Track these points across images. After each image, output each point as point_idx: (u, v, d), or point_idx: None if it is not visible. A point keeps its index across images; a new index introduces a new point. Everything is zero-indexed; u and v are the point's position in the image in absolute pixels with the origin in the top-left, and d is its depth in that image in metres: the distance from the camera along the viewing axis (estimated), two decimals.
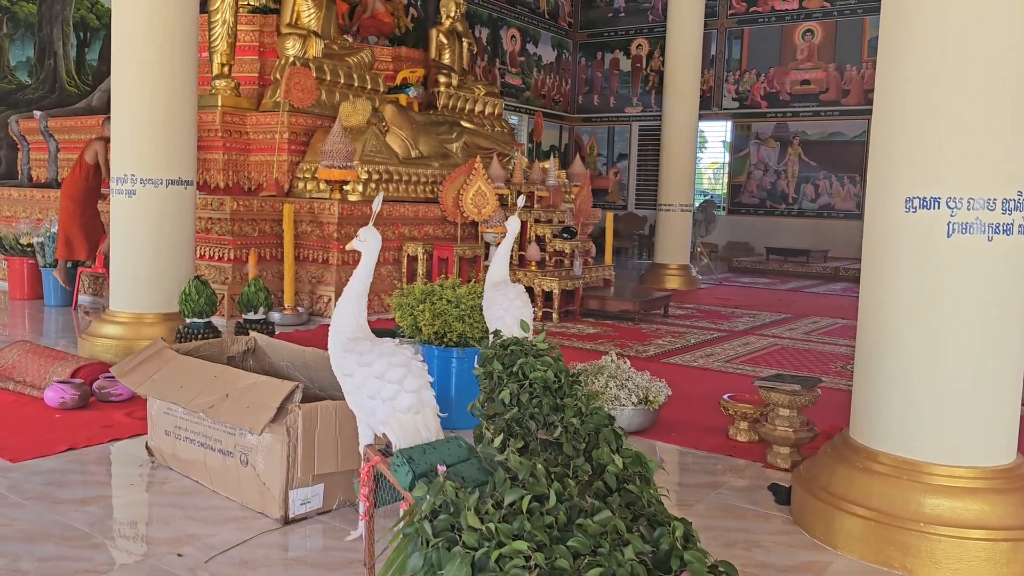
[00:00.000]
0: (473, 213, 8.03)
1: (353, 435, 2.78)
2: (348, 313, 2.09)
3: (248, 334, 5.32)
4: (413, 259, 7.82)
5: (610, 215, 10.17)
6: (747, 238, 17.29)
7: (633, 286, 10.86)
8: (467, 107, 10.56)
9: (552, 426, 2.47)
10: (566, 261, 8.45)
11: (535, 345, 2.86)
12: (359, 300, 2.10)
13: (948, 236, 2.64)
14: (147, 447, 3.43)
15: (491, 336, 2.92)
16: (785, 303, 9.96)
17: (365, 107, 8.28)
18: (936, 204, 2.66)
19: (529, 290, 7.73)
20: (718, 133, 17.84)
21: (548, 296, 7.83)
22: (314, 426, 2.80)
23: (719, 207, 17.14)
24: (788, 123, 16.95)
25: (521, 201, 3.36)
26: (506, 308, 2.98)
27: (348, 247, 2.18)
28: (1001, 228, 2.61)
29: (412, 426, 1.84)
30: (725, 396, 4.16)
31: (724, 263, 15.31)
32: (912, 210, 2.71)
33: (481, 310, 3.97)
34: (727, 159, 17.76)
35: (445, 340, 3.96)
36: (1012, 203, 2.60)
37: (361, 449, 2.00)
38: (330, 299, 7.28)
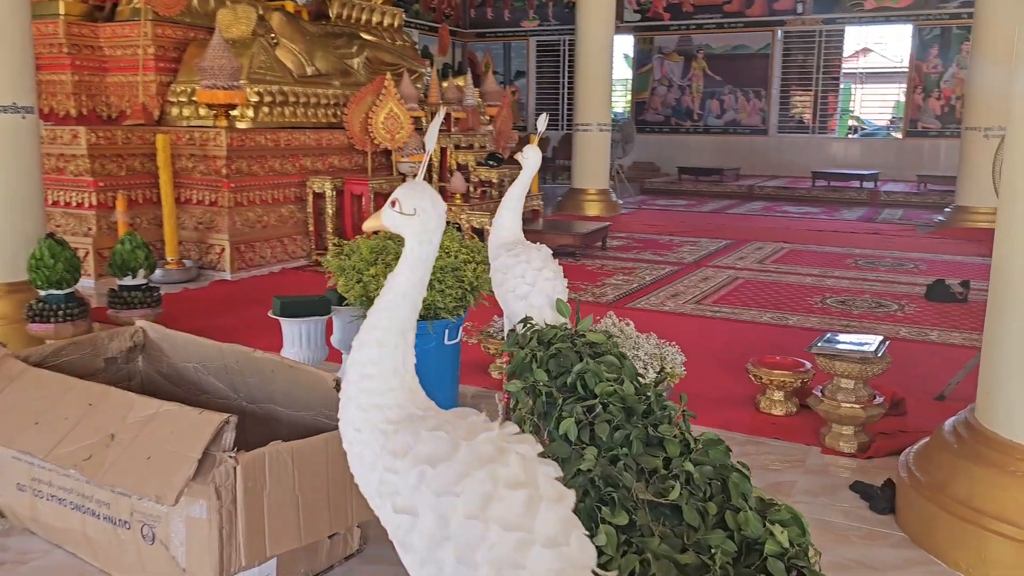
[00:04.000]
0: (385, 140, 6.92)
1: (323, 491, 1.83)
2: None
3: (124, 307, 4.16)
4: (320, 197, 6.66)
5: (533, 137, 9.22)
6: (652, 157, 16.69)
7: (552, 214, 10.02)
8: (364, 17, 9.19)
9: (661, 478, 1.60)
10: (492, 192, 7.49)
11: (583, 335, 1.96)
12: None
13: None
14: None
15: (518, 327, 1.98)
16: (716, 226, 9.37)
17: (248, 14, 6.89)
18: None
19: (458, 228, 6.75)
20: (619, 48, 16.96)
21: (479, 233, 6.87)
22: (261, 484, 1.81)
23: None
24: (692, 36, 16.27)
25: (543, 122, 2.40)
26: (531, 282, 2.04)
27: (367, 227, 1.17)
28: None
29: None
30: (751, 362, 3.40)
31: (635, 185, 14.66)
32: None
33: (452, 270, 3.01)
34: (630, 75, 16.98)
35: None
36: None
37: None
38: (223, 248, 6.06)
